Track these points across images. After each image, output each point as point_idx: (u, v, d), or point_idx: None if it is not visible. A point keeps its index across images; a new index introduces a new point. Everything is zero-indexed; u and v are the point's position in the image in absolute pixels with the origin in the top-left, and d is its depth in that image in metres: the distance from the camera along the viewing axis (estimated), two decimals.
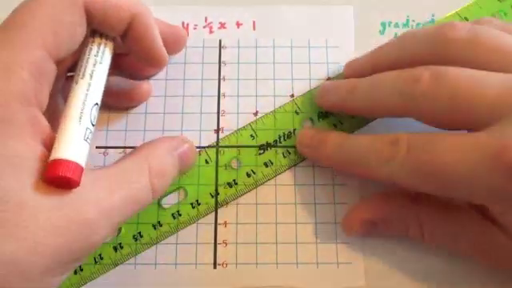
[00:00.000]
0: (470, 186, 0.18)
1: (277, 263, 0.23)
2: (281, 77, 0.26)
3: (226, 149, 0.25)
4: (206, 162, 0.25)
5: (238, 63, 0.27)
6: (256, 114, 0.26)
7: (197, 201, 0.24)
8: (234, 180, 0.24)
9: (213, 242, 0.24)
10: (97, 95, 0.20)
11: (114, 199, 0.18)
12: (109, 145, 0.25)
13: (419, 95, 0.19)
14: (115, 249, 0.23)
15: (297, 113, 0.25)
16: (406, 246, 0.23)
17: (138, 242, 0.23)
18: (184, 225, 0.24)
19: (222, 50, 0.27)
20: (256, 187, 0.24)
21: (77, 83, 0.20)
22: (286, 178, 0.25)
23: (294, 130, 0.25)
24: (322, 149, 0.23)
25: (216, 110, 0.26)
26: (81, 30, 0.20)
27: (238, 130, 0.25)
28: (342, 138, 0.22)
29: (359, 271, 0.23)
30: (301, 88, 0.26)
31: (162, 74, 0.26)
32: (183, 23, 0.28)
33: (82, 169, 0.18)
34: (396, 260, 0.23)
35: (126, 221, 0.19)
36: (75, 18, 0.19)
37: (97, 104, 0.20)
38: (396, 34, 0.27)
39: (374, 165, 0.20)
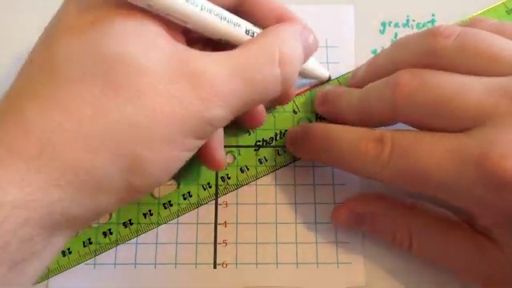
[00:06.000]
0: (450, 190, 0.18)
1: (277, 263, 0.23)
2: None
3: (225, 148, 0.25)
4: None
5: None
6: None
7: (188, 192, 0.24)
8: (227, 174, 0.24)
9: (213, 242, 0.24)
10: None
11: (234, 81, 0.17)
12: None
13: (401, 99, 0.19)
14: (104, 234, 0.24)
15: (295, 112, 0.25)
16: None
17: (128, 228, 0.24)
18: (174, 216, 0.24)
19: None
20: (248, 183, 0.24)
21: None
22: (286, 177, 0.25)
23: None
24: (306, 144, 0.23)
25: None
26: None
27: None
28: (325, 131, 0.22)
29: (359, 271, 0.23)
30: (301, 88, 0.26)
31: None
32: None
33: None
34: (396, 260, 0.23)
35: (246, 109, 0.18)
36: None
37: None
38: (396, 34, 0.27)
39: (358, 163, 0.20)
